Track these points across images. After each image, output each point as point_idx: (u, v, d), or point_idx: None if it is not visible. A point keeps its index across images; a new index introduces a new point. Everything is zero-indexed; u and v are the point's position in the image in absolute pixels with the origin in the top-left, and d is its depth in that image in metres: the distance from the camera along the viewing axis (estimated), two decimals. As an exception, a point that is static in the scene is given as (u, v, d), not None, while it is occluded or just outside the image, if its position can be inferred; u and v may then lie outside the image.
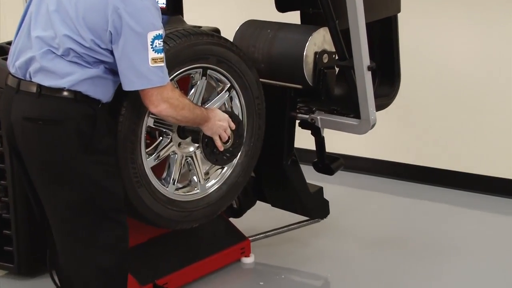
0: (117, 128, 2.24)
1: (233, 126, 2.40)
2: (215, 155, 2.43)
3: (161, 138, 2.47)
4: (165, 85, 2.08)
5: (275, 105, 2.84)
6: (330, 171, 2.99)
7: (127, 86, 2.08)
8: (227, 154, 2.47)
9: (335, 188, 3.64)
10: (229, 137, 2.40)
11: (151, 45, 2.02)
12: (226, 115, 2.40)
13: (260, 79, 2.69)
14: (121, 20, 2.00)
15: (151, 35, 2.02)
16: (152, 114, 2.32)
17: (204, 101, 2.52)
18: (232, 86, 2.58)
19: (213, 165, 2.60)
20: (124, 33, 2.01)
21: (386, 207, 3.75)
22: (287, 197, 3.05)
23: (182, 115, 2.17)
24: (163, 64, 2.06)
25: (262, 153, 2.73)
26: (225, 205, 2.67)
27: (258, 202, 3.11)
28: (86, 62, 2.06)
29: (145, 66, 2.03)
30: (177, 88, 2.30)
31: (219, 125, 2.35)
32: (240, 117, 2.61)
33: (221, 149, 2.39)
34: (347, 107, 2.82)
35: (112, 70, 2.11)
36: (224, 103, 2.59)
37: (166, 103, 2.10)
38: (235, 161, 2.62)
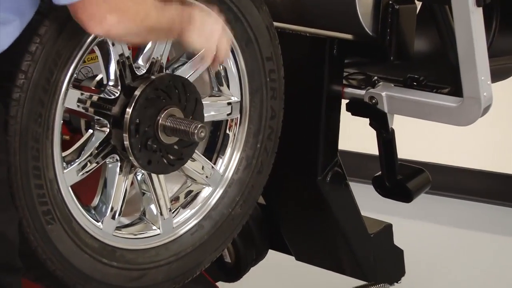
0: (7, 113, 2.24)
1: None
2: (148, 153, 2.43)
3: (90, 131, 2.48)
4: None
5: (304, 73, 2.87)
6: (406, 195, 3.04)
7: None
8: (175, 147, 2.47)
9: (417, 226, 3.69)
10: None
11: None
12: None
13: (276, 25, 2.73)
14: None
15: None
16: (85, 91, 2.36)
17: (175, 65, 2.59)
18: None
19: (187, 185, 2.67)
20: None
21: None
22: (324, 244, 3.07)
23: (147, 26, 2.22)
24: None
25: (278, 161, 2.75)
26: (210, 259, 2.72)
27: (270, 252, 3.15)
28: None
29: None
30: None
31: (213, 27, 2.39)
32: (239, 94, 2.66)
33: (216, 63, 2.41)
34: (438, 75, 2.86)
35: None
36: (208, 69, 2.64)
37: (116, 13, 2.13)
38: (227, 175, 2.69)
